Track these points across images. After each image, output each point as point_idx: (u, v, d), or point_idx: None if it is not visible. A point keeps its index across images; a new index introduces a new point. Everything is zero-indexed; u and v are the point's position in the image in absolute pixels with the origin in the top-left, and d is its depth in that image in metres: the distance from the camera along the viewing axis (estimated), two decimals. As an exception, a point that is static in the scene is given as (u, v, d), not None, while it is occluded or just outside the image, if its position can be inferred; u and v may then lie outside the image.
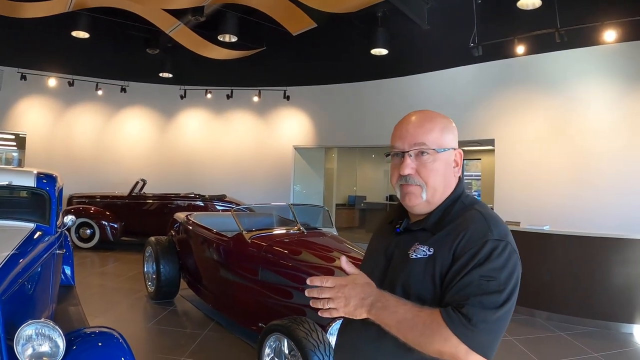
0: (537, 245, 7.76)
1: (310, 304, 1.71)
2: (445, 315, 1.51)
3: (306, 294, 1.72)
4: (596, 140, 9.91)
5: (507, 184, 11.19)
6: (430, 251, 1.68)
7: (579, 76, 10.25)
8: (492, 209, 1.81)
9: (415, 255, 1.70)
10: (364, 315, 1.63)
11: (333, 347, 4.14)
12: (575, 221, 9.48)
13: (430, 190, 1.76)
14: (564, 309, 7.52)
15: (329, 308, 1.66)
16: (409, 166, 1.76)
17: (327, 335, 4.24)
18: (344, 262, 1.75)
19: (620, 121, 9.70)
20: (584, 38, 9.34)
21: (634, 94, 9.58)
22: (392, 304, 1.60)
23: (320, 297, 1.67)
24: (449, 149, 1.79)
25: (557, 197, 10.24)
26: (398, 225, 1.88)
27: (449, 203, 1.79)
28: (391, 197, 17.24)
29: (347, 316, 1.67)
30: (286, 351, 4.39)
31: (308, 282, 1.71)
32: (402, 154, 1.79)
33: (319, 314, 1.70)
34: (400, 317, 1.56)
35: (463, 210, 1.75)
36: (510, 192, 10.96)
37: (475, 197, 1.87)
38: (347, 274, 1.73)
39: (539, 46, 9.88)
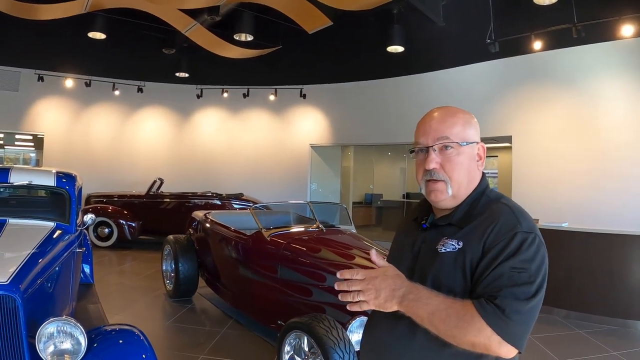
0: (556, 243, 7.67)
1: (339, 298, 1.71)
2: (479, 306, 1.52)
3: (336, 287, 1.71)
4: (615, 136, 9.80)
5: (525, 181, 11.10)
6: (459, 244, 1.68)
7: (596, 72, 10.15)
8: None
9: (444, 249, 1.70)
10: (394, 308, 1.62)
11: (354, 345, 4.15)
12: (594, 218, 9.38)
13: (455, 185, 1.77)
14: (583, 306, 7.45)
15: (359, 301, 1.66)
16: (434, 160, 1.77)
17: (347, 332, 4.22)
18: (373, 255, 1.74)
19: (639, 116, 9.59)
20: (601, 33, 9.25)
21: (653, 89, 9.47)
22: (425, 295, 1.60)
23: (350, 289, 1.66)
24: (472, 143, 1.80)
25: (576, 194, 10.15)
26: (424, 221, 1.88)
27: (475, 197, 1.79)
28: (408, 195, 17.15)
29: (377, 309, 1.66)
30: (306, 348, 4.39)
31: (338, 275, 1.71)
32: (427, 149, 1.80)
33: (348, 307, 1.70)
34: (433, 308, 1.56)
35: (489, 204, 1.75)
36: (528, 189, 10.86)
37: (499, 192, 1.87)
38: (377, 266, 1.72)
39: (556, 42, 9.79)
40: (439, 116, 1.82)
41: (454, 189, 1.77)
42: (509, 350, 1.52)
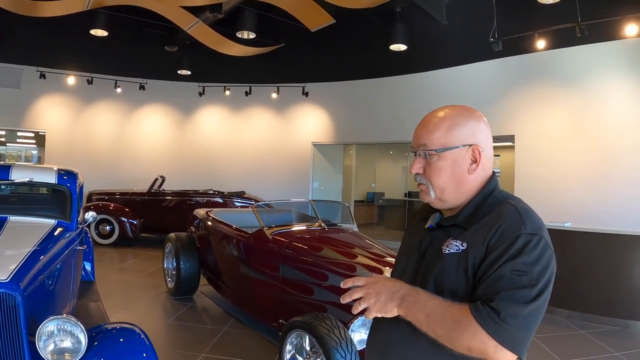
0: (558, 242, 7.54)
1: (341, 301, 1.75)
2: (474, 309, 1.49)
3: (342, 301, 1.75)
4: (618, 136, 9.79)
5: (528, 180, 11.09)
6: (463, 245, 1.66)
7: (600, 71, 10.13)
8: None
9: (449, 250, 1.68)
10: (394, 311, 1.61)
11: (356, 344, 4.14)
12: (597, 218, 9.37)
13: (437, 190, 1.78)
14: (585, 307, 7.43)
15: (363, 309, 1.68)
16: (416, 166, 1.82)
17: (349, 332, 4.21)
18: (350, 283, 1.78)
19: (643, 115, 9.58)
20: (605, 32, 9.24)
21: (656, 88, 9.46)
22: (423, 298, 1.58)
23: (353, 298, 1.69)
24: (456, 147, 1.75)
25: (579, 194, 10.14)
26: (430, 222, 1.87)
27: (481, 198, 1.76)
28: (410, 194, 17.17)
29: (379, 314, 1.65)
30: (307, 348, 4.37)
31: (342, 285, 1.75)
32: (414, 154, 1.84)
33: (353, 311, 1.71)
34: (430, 311, 1.55)
35: (496, 205, 1.72)
36: (531, 189, 10.85)
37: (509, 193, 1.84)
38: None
39: (559, 41, 9.78)
40: (425, 120, 1.83)
41: (436, 193, 1.78)
42: (507, 356, 1.48)
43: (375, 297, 1.64)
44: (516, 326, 1.47)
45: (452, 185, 1.76)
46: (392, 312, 1.62)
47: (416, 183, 1.85)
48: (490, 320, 1.46)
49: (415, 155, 1.83)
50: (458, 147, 1.75)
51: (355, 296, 1.67)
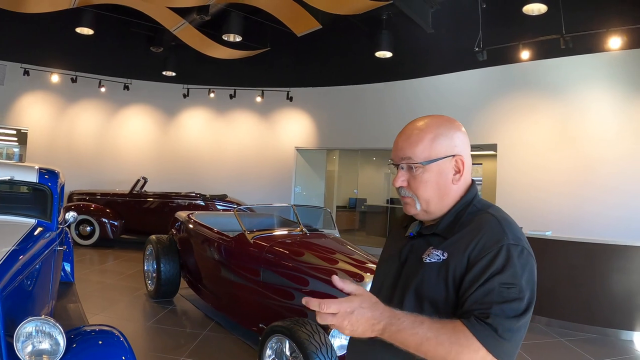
0: (539, 251, 7.60)
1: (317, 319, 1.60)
2: (471, 326, 1.49)
3: (317, 320, 1.60)
4: (599, 147, 9.91)
5: (509, 189, 11.17)
6: (444, 255, 1.66)
7: (583, 82, 10.25)
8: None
9: (429, 260, 1.68)
10: (374, 334, 1.57)
11: (336, 350, 4.14)
12: (578, 227, 9.47)
13: (422, 202, 1.76)
14: (565, 314, 7.50)
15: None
16: (400, 179, 1.78)
17: (330, 337, 4.21)
18: (338, 281, 1.63)
19: (624, 128, 9.70)
20: (589, 45, 9.34)
21: (638, 101, 9.57)
22: (408, 325, 1.53)
23: (322, 323, 1.59)
24: (441, 158, 1.74)
25: (560, 203, 10.24)
26: (411, 230, 1.87)
27: (461, 207, 1.76)
28: (392, 201, 17.20)
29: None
30: (288, 353, 4.36)
31: (304, 302, 1.59)
32: (396, 166, 1.81)
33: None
34: (421, 338, 1.51)
35: (476, 214, 1.73)
36: (512, 197, 10.93)
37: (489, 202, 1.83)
38: (346, 293, 1.62)
39: (543, 52, 9.87)
40: (406, 132, 1.80)
41: (422, 205, 1.77)
42: None
43: (351, 328, 1.55)
44: (511, 339, 1.50)
45: (438, 196, 1.76)
46: (369, 336, 1.57)
47: (399, 195, 1.83)
48: (490, 337, 1.47)
49: (397, 168, 1.80)
50: (443, 158, 1.74)
51: (326, 323, 1.56)
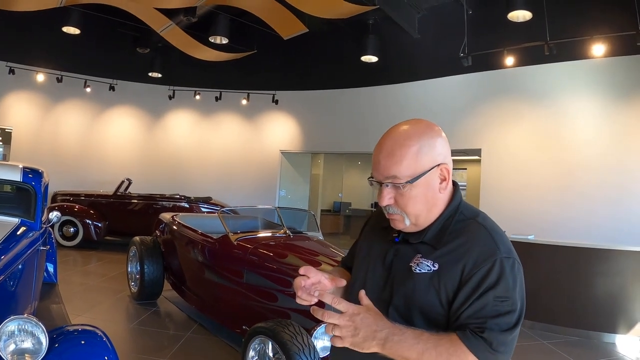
0: (522, 255, 7.49)
1: (311, 312, 1.58)
2: (466, 340, 1.51)
3: (312, 312, 1.58)
4: (582, 152, 10.01)
5: (493, 193, 11.24)
6: (434, 266, 1.64)
7: (566, 89, 10.34)
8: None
9: (419, 270, 1.66)
10: (372, 349, 1.53)
11: (319, 351, 4.16)
12: (560, 231, 9.55)
13: (412, 217, 1.71)
14: (548, 317, 7.56)
15: (333, 336, 1.55)
16: (386, 197, 1.72)
17: (312, 338, 4.22)
18: (329, 300, 1.59)
19: (606, 133, 9.80)
20: (573, 52, 9.43)
21: (620, 107, 9.69)
22: (410, 336, 1.52)
23: (326, 321, 1.54)
24: (427, 171, 1.68)
25: (543, 207, 10.32)
26: (396, 235, 1.81)
27: (447, 215, 1.74)
28: (376, 205, 17.22)
29: (350, 347, 1.54)
30: (270, 354, 4.37)
31: (317, 295, 1.63)
32: (380, 184, 1.74)
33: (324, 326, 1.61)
34: (421, 348, 1.50)
35: (464, 222, 1.71)
36: (496, 202, 11.00)
37: (474, 207, 1.78)
38: (339, 311, 1.56)
39: (528, 58, 9.96)
40: (388, 148, 1.71)
41: (411, 220, 1.71)
42: None
43: (353, 332, 1.52)
44: (504, 352, 1.53)
45: (426, 209, 1.71)
46: (367, 350, 1.53)
47: (385, 213, 1.77)
48: (486, 352, 1.50)
49: (381, 185, 1.72)
50: (429, 170, 1.68)
51: (330, 320, 1.53)
